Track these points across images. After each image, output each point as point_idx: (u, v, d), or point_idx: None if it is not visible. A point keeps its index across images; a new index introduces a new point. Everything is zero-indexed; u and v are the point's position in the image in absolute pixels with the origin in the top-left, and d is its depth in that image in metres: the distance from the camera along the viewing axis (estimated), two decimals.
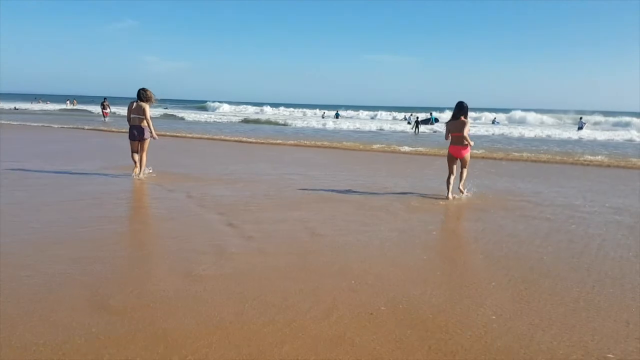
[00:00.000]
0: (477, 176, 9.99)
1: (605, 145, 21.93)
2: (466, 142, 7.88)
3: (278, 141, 19.72)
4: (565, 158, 15.18)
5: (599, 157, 15.33)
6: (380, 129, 31.63)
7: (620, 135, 27.16)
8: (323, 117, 50.08)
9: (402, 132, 29.97)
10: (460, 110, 7.96)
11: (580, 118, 35.08)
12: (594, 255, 4.97)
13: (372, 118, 51.79)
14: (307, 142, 19.31)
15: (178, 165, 11.23)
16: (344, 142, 19.62)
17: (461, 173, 8.07)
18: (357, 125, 33.58)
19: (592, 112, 48.52)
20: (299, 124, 35.62)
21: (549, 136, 26.71)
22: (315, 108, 65.69)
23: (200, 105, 73.33)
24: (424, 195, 8.13)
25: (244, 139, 20.32)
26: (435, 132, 29.33)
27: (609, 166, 13.68)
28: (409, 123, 36.26)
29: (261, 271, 4.24)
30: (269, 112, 60.26)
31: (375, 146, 18.44)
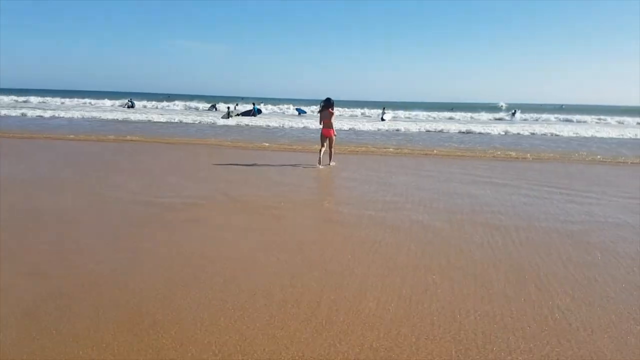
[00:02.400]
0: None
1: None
2: (332, 126, 11.29)
3: None
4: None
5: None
6: (181, 121, 28.50)
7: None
8: (128, 107, 45.20)
9: (213, 123, 28.06)
10: (328, 104, 11.29)
11: (384, 109, 38.31)
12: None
13: (186, 109, 47.13)
14: None
15: None
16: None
17: (330, 149, 11.34)
18: (158, 116, 30.42)
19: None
20: None
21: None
22: (119, 97, 58.00)
23: None
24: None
25: None
26: (247, 125, 26.90)
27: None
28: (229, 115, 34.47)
29: None
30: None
31: (175, 139, 16.63)
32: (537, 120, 39.67)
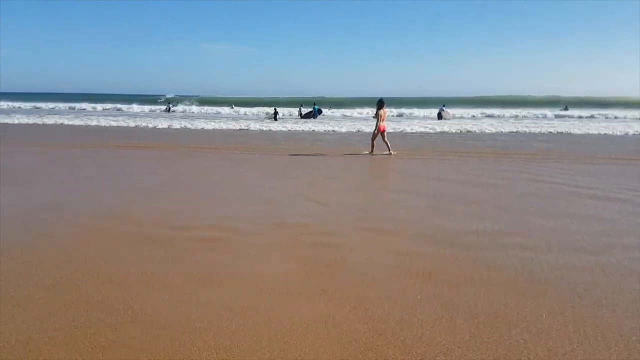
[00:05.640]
0: None
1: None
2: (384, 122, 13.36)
3: None
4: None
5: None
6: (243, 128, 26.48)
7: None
8: (169, 111, 44.72)
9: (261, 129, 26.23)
10: (383, 104, 13.26)
11: (443, 106, 34.99)
12: None
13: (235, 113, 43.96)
14: None
15: None
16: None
17: (386, 139, 13.29)
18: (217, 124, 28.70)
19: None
20: None
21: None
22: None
23: None
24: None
25: None
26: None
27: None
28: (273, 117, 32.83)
29: None
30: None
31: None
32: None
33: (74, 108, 47.76)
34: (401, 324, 3.22)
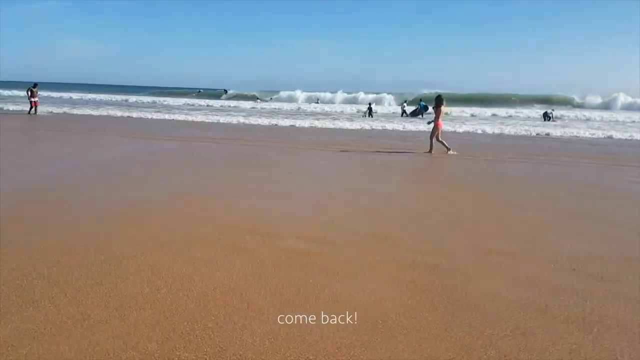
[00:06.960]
0: None
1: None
2: None
3: None
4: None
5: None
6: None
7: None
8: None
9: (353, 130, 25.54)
10: (443, 100, 12.48)
11: (553, 110, 31.34)
12: None
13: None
14: None
15: None
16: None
17: (434, 139, 12.53)
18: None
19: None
20: None
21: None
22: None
23: None
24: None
25: None
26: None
27: None
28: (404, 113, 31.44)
29: None
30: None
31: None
32: None
33: (176, 105, 47.35)
34: None
